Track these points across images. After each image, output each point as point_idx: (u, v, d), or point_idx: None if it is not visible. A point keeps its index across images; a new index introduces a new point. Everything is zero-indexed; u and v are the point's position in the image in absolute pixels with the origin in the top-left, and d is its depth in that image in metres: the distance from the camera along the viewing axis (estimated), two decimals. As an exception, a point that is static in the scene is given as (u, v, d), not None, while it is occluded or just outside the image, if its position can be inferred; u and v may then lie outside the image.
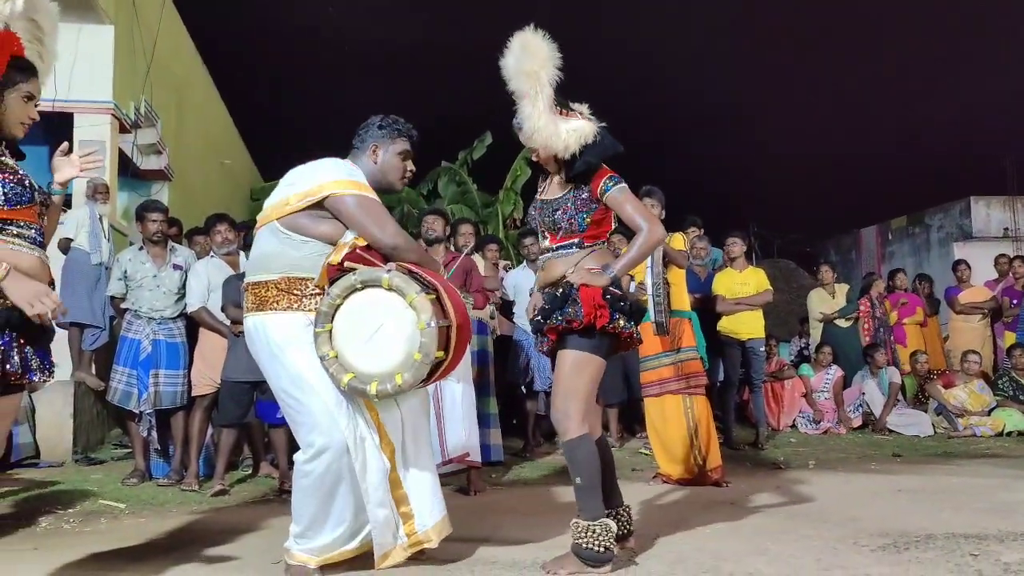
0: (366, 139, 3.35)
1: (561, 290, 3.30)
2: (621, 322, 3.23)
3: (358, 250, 3.03)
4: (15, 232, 2.63)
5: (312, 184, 3.13)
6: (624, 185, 3.32)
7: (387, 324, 2.94)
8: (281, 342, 3.08)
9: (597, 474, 3.20)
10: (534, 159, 3.50)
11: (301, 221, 3.10)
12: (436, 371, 3.03)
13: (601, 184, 3.30)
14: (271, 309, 3.11)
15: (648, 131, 22.21)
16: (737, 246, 7.65)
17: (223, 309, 5.67)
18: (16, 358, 2.59)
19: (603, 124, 3.32)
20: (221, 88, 13.72)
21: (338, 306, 2.99)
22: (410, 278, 2.95)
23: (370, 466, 3.08)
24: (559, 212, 3.37)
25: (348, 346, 2.98)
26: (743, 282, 7.53)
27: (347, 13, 20.66)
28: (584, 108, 3.35)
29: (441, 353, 2.95)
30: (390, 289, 2.95)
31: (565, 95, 3.35)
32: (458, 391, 5.09)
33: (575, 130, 3.28)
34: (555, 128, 3.27)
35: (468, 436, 5.09)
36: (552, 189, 3.46)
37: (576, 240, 3.34)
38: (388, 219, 3.14)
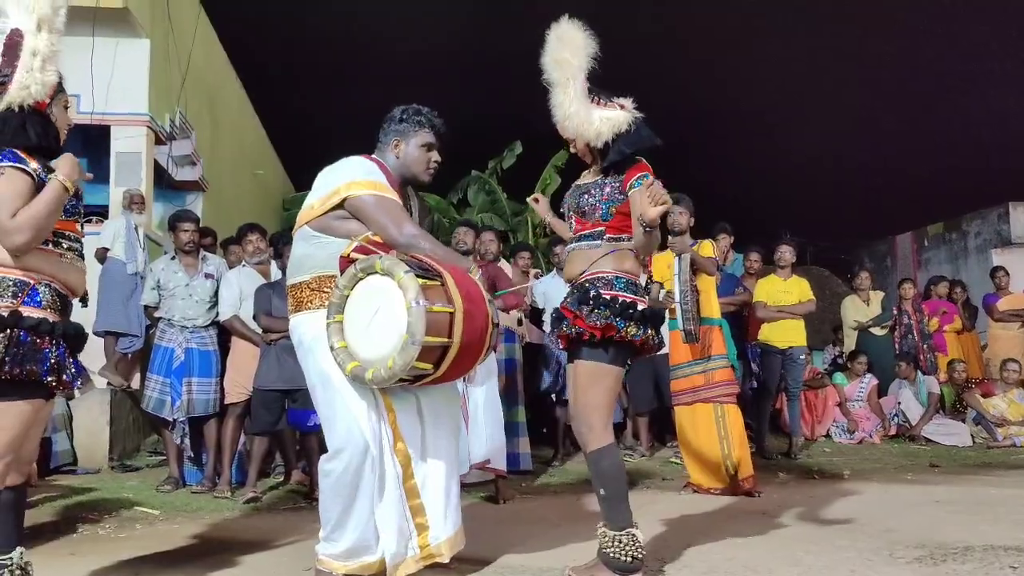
0: (388, 133, 3.35)
1: (580, 291, 3.27)
2: (632, 329, 3.17)
3: (368, 242, 3.03)
4: (66, 246, 2.78)
5: (331, 187, 3.16)
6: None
7: (383, 308, 2.90)
8: (311, 340, 3.13)
9: (623, 484, 3.18)
10: (572, 150, 3.47)
11: (329, 223, 3.14)
12: (442, 360, 2.90)
13: (633, 179, 3.25)
14: (306, 309, 3.16)
15: (672, 134, 22.15)
16: (788, 254, 7.60)
17: (255, 318, 5.72)
18: (72, 368, 2.75)
19: (641, 116, 3.27)
20: (253, 98, 13.89)
21: (347, 296, 3.00)
22: (404, 262, 2.89)
23: (385, 472, 3.07)
24: (585, 196, 3.35)
25: (353, 334, 2.98)
26: (786, 290, 7.47)
27: (379, 20, 20.84)
28: (627, 101, 3.30)
29: (440, 339, 2.83)
30: (383, 273, 2.92)
31: (605, 87, 3.33)
32: (480, 396, 5.05)
33: (608, 118, 3.24)
34: (587, 115, 3.25)
35: (490, 442, 5.06)
36: (587, 177, 3.45)
37: (600, 230, 3.30)
38: (405, 217, 3.13)
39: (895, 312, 9.27)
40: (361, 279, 2.98)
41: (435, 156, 3.35)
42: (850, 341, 9.36)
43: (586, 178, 3.44)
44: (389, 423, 3.10)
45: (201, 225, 6.60)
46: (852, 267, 15.68)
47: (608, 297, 3.19)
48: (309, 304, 3.16)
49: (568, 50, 3.25)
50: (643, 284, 3.32)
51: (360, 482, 3.03)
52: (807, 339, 7.61)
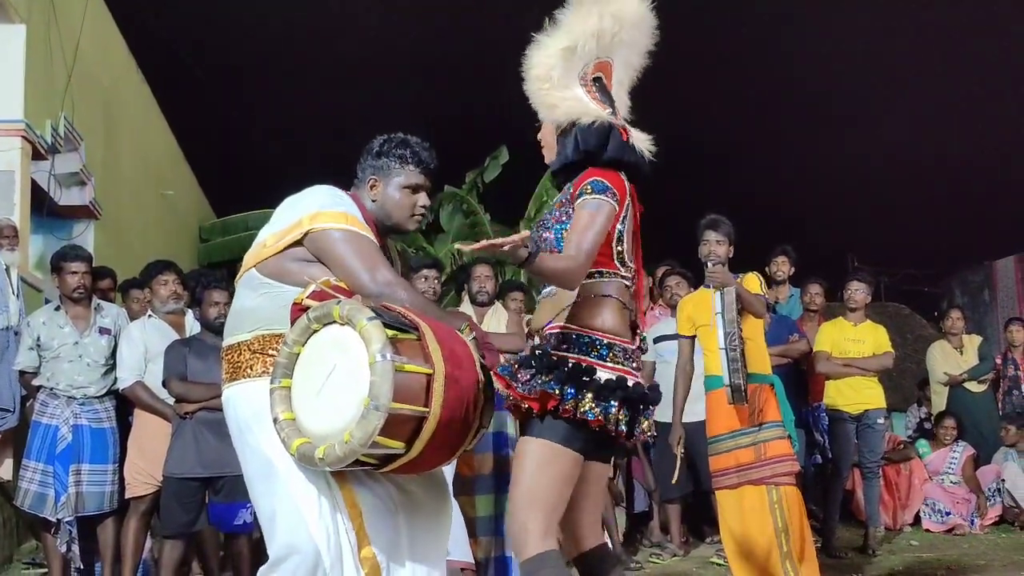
0: (365, 169, 3.37)
1: (538, 350, 3.18)
2: (585, 404, 3.05)
3: (329, 287, 3.01)
4: None
5: (291, 219, 3.17)
6: (604, 202, 3.16)
7: (339, 366, 2.87)
8: (249, 417, 3.11)
9: None
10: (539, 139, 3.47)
11: (285, 265, 3.14)
12: (416, 437, 2.85)
13: (583, 185, 3.20)
14: (244, 377, 3.15)
15: (711, 142, 22.24)
16: (861, 293, 7.49)
17: (165, 384, 5.69)
18: None
19: (623, 124, 3.28)
20: (161, 100, 13.94)
21: (297, 355, 2.99)
22: (370, 308, 2.87)
23: None
24: (541, 224, 3.34)
25: (302, 402, 2.95)
26: (857, 338, 7.45)
27: (323, 3, 21.00)
28: (639, 133, 3.33)
29: (413, 407, 2.80)
30: (342, 321, 2.89)
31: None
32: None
33: (576, 99, 3.26)
34: (554, 82, 3.26)
35: (454, 528, 4.98)
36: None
37: None
38: (380, 260, 3.14)
39: (997, 362, 9.29)
40: (315, 331, 2.96)
41: (422, 200, 3.37)
42: (939, 399, 9.35)
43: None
44: (352, 523, 3.06)
45: (94, 265, 6.58)
46: (940, 303, 15.77)
47: (555, 358, 3.11)
48: (248, 371, 3.14)
49: (620, 23, 3.27)
50: (631, 349, 3.22)
51: None
52: (885, 399, 7.59)
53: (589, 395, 3.06)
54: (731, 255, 5.54)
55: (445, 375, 2.85)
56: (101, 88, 10.91)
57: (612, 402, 3.08)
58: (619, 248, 3.27)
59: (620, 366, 3.16)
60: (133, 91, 12.77)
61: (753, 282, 5.69)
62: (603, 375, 3.10)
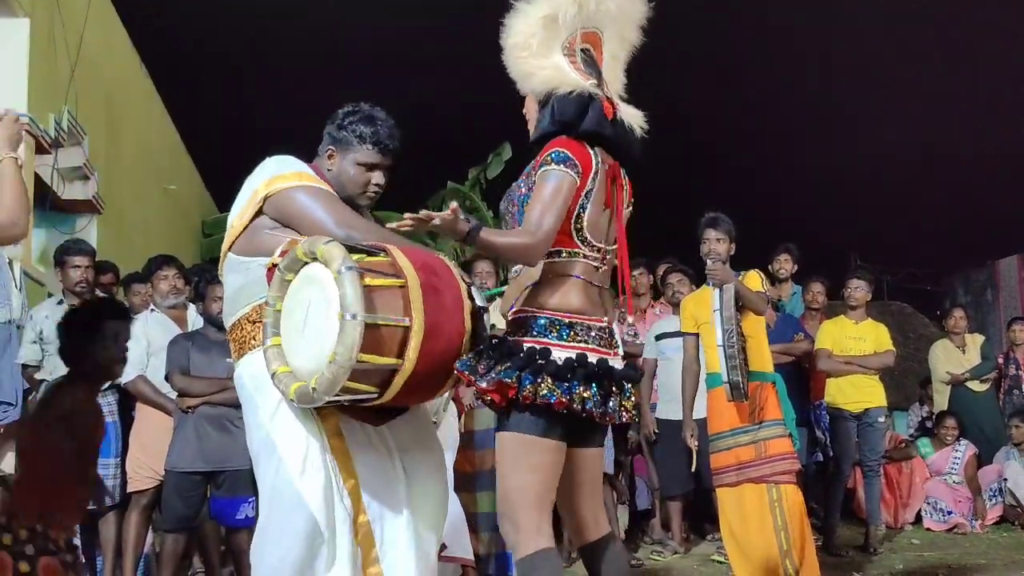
0: (324, 140, 3.39)
1: (495, 338, 3.08)
2: (544, 388, 2.94)
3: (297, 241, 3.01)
4: None
5: (247, 195, 3.20)
6: (564, 174, 3.06)
7: (313, 299, 2.84)
8: (252, 388, 3.14)
9: None
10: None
11: (256, 239, 3.16)
12: (404, 349, 2.79)
13: (546, 155, 3.11)
14: (249, 350, 3.17)
15: (714, 139, 22.18)
16: (861, 291, 7.53)
17: (167, 378, 5.70)
18: None
19: (607, 96, 3.21)
20: (165, 95, 13.94)
21: (279, 311, 2.99)
22: (327, 237, 2.85)
23: (338, 564, 3.03)
24: (507, 196, 3.29)
25: (291, 349, 2.93)
26: (858, 336, 7.47)
27: (328, 2, 20.97)
28: (631, 109, 3.30)
29: (390, 317, 2.75)
30: (306, 257, 2.88)
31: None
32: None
33: (555, 67, 3.19)
34: (532, 50, 3.20)
35: (454, 524, 4.98)
36: None
37: None
38: (343, 207, 3.16)
39: (1000, 361, 9.29)
40: (289, 281, 2.96)
41: (376, 178, 3.35)
42: (941, 398, 9.37)
43: None
44: (349, 492, 3.07)
45: (97, 259, 6.59)
46: (943, 302, 15.76)
47: (512, 345, 3.03)
48: (252, 342, 3.16)
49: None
50: (601, 327, 3.14)
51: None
52: (886, 397, 7.60)
53: (547, 378, 2.95)
54: (732, 252, 5.54)
55: (421, 282, 2.82)
56: (104, 82, 10.91)
57: (575, 382, 2.98)
58: (577, 225, 3.16)
59: (584, 344, 3.06)
60: (136, 85, 12.77)
61: (754, 280, 5.69)
62: (560, 355, 3.01)
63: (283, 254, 2.98)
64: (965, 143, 22.81)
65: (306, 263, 2.89)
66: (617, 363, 3.16)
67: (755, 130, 22.60)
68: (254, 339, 3.14)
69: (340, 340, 2.69)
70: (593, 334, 3.10)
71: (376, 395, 2.87)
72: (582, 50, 3.27)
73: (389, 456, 3.15)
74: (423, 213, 2.91)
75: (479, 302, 2.99)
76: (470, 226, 2.93)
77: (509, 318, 3.21)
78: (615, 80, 3.39)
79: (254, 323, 3.15)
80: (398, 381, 2.83)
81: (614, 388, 3.08)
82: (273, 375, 2.96)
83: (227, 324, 3.30)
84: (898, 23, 21.67)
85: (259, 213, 3.16)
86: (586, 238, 3.18)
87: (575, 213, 3.14)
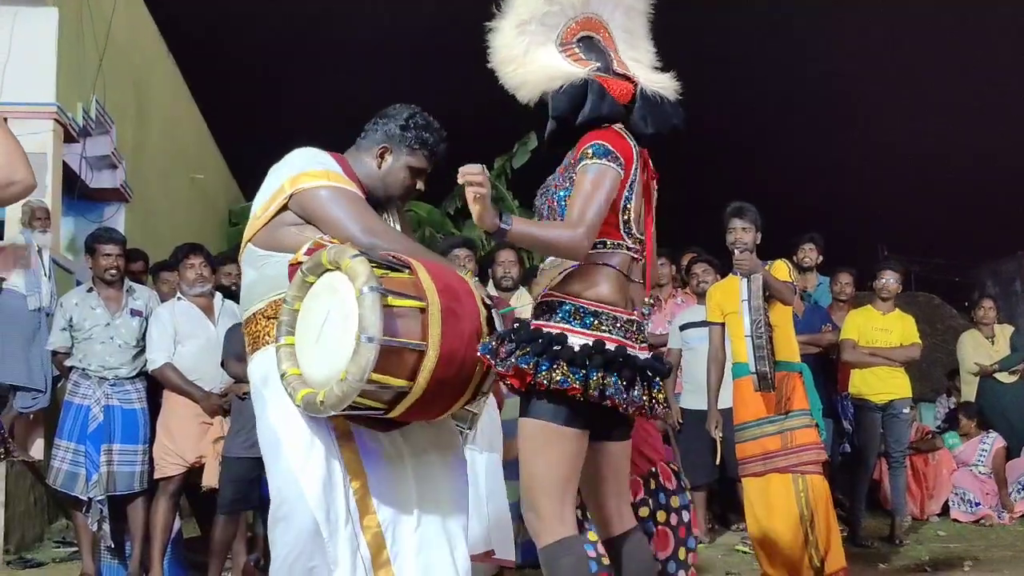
0: (378, 132, 3.36)
1: (517, 322, 3.08)
2: (557, 374, 2.89)
3: (321, 244, 3.02)
4: None
5: (274, 187, 3.19)
6: (607, 167, 3.02)
7: (332, 310, 2.85)
8: (260, 384, 3.15)
9: None
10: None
11: (278, 235, 3.16)
12: (416, 373, 2.80)
13: (584, 148, 3.07)
14: (263, 345, 3.17)
15: (741, 131, 22.07)
16: (894, 282, 7.49)
17: (223, 364, 5.73)
18: None
19: (613, 75, 3.15)
20: (191, 84, 13.99)
21: (297, 311, 3.00)
22: (355, 249, 2.86)
23: (341, 561, 3.02)
24: (543, 191, 3.28)
25: (304, 354, 2.95)
26: (885, 327, 7.42)
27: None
28: (656, 75, 3.24)
29: (407, 340, 2.77)
30: (331, 266, 2.88)
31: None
32: (480, 464, 4.94)
33: (541, 67, 3.15)
34: (519, 60, 3.17)
35: (495, 525, 4.99)
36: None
37: None
38: (369, 213, 3.16)
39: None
40: (311, 284, 2.97)
41: (420, 184, 3.41)
42: (969, 389, 9.31)
43: None
44: (355, 492, 3.06)
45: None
46: (971, 293, 15.60)
47: (533, 330, 3.00)
48: (266, 338, 3.16)
49: None
50: (628, 319, 3.08)
51: (312, 572, 3.01)
52: (913, 388, 7.55)
53: (563, 364, 2.91)
54: (758, 242, 5.52)
55: (441, 307, 2.83)
56: (132, 71, 10.96)
57: (592, 368, 2.92)
58: (624, 217, 3.13)
59: (605, 334, 3.01)
60: (164, 74, 12.83)
61: (782, 269, 5.67)
62: (577, 341, 2.97)
63: (309, 252, 2.99)
64: (994, 135, 22.65)
65: (329, 271, 2.91)
66: (641, 354, 3.11)
67: (782, 121, 22.51)
68: (268, 335, 3.14)
69: (354, 360, 2.72)
70: (619, 325, 3.05)
71: (383, 411, 2.91)
72: (581, 39, 3.23)
73: (400, 459, 3.15)
74: (476, 176, 2.91)
75: (499, 328, 3.00)
76: (500, 224, 2.90)
77: (538, 300, 3.18)
78: (642, 52, 3.34)
79: (269, 319, 3.15)
80: (406, 402, 2.86)
81: (637, 378, 3.02)
82: (283, 375, 2.99)
83: (242, 316, 3.30)
84: (927, 13, 21.52)
85: (283, 208, 3.16)
86: (631, 230, 3.15)
87: (621, 205, 3.11)
